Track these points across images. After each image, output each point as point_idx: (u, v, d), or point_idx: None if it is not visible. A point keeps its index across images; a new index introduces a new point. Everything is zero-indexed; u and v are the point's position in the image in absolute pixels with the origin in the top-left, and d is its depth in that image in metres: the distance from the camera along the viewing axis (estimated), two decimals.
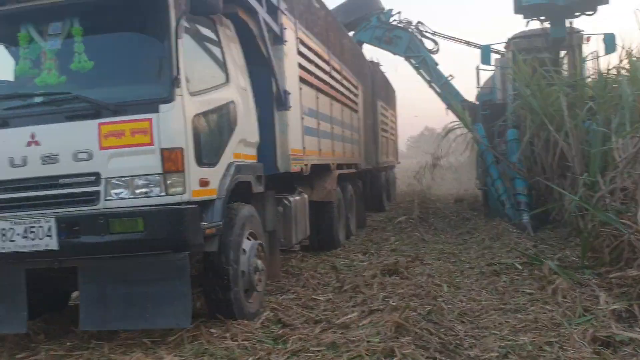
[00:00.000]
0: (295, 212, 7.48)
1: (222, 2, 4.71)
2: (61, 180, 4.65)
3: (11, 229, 4.59)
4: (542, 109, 10.68)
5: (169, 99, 4.61)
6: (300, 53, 7.53)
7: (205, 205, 4.94)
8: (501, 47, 14.56)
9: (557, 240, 9.19)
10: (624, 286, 5.75)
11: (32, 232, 4.55)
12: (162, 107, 4.59)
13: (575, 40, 12.54)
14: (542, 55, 12.35)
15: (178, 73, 4.65)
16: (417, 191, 18.68)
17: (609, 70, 10.90)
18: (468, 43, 16.88)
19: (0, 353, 4.92)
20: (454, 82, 16.73)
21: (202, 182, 4.87)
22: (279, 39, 6.65)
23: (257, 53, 6.26)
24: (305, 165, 7.53)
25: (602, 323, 4.74)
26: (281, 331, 4.98)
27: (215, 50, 5.56)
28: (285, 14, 6.90)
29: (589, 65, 12.45)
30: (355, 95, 11.78)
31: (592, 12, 12.05)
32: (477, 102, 15.48)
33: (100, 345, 4.77)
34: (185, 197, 4.65)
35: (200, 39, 5.38)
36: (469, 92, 17.09)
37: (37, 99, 4.95)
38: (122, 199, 4.60)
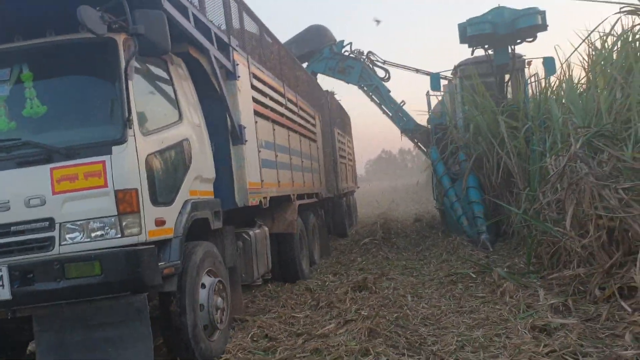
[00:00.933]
0: (256, 246, 7.47)
1: (170, 43, 4.73)
2: (13, 228, 4.57)
3: None
4: (489, 130, 11.69)
5: (121, 140, 4.61)
6: (254, 87, 7.59)
7: (162, 244, 4.92)
8: (449, 74, 15.39)
9: (506, 250, 10.14)
10: (562, 285, 6.70)
11: None
12: (115, 149, 4.59)
13: (517, 64, 13.31)
14: (488, 80, 13.22)
15: (130, 114, 4.66)
16: (377, 214, 19.08)
17: (541, 93, 11.96)
18: (417, 70, 17.51)
19: None
20: (406, 108, 17.40)
21: (158, 221, 4.85)
22: (231, 75, 6.71)
23: (210, 89, 6.30)
24: (264, 198, 7.55)
25: (541, 315, 5.58)
26: (269, 344, 5.60)
27: (167, 89, 5.58)
28: (237, 50, 6.97)
29: (533, 87, 13.26)
30: (313, 125, 11.89)
31: (532, 39, 12.71)
32: (429, 126, 16.03)
33: None
34: (142, 238, 4.63)
35: (151, 79, 5.40)
36: (421, 117, 17.84)
37: None
38: (77, 243, 4.55)
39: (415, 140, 18.26)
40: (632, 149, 6.58)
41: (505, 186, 11.42)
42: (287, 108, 9.44)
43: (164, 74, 5.57)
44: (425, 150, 17.60)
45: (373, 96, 17.53)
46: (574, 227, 6.84)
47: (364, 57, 17.60)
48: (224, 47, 6.57)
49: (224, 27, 6.77)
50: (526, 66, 13.61)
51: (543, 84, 12.70)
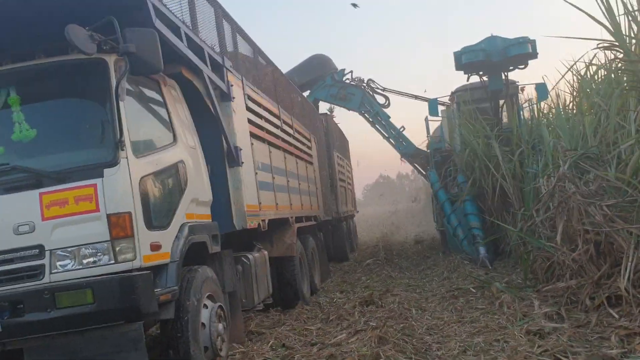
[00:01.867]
0: (256, 270, 7.28)
1: (163, 63, 4.60)
2: (1, 257, 4.40)
3: None
4: (484, 154, 12.37)
5: (113, 163, 4.47)
6: (249, 109, 7.48)
7: (158, 270, 4.74)
8: (446, 100, 15.98)
9: (505, 268, 10.68)
10: (556, 296, 7.21)
11: None
12: (107, 172, 4.44)
13: (511, 90, 13.91)
14: (483, 105, 13.92)
15: (121, 135, 4.53)
16: (378, 237, 19.68)
17: (533, 118, 12.74)
18: (416, 97, 18.32)
19: None
20: (405, 133, 18.15)
21: (154, 246, 4.68)
22: (226, 96, 6.60)
23: (205, 111, 6.19)
24: (263, 220, 7.38)
25: (536, 322, 6.16)
26: (286, 352, 6.05)
27: (161, 111, 5.45)
28: (231, 71, 6.87)
29: (527, 112, 14.01)
30: (309, 147, 11.77)
31: (524, 66, 13.29)
32: (428, 150, 16.73)
33: None
34: (136, 264, 4.46)
35: (144, 100, 5.27)
36: (421, 141, 18.49)
37: None
38: (68, 270, 4.37)
39: (415, 165, 18.72)
40: (615, 169, 7.14)
41: (502, 207, 11.93)
42: (282, 130, 9.32)
43: (156, 96, 5.44)
44: (424, 173, 18.39)
45: (374, 122, 18.18)
46: (565, 242, 7.34)
47: (365, 84, 18.29)
48: (217, 68, 6.47)
49: (217, 47, 6.69)
50: (519, 92, 14.38)
51: (535, 109, 13.23)
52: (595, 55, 8.40)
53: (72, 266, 4.38)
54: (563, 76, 11.32)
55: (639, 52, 6.74)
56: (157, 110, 5.42)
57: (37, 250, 4.37)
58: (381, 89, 18.45)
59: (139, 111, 5.12)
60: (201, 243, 5.59)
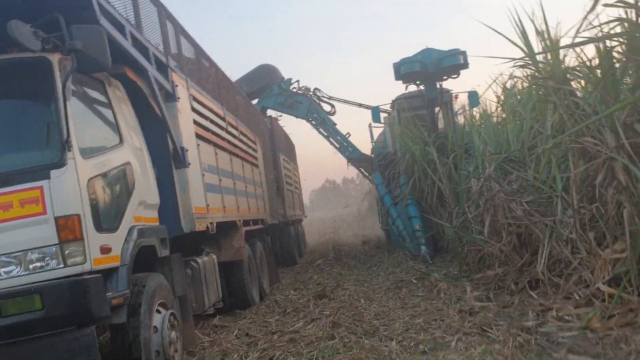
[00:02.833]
0: (205, 273, 7.19)
1: (110, 59, 4.50)
2: None
3: None
4: (422, 158, 13.39)
5: (60, 164, 4.33)
6: (194, 110, 7.39)
7: (108, 273, 4.63)
8: (388, 107, 17.00)
9: (443, 261, 11.71)
10: (486, 283, 8.20)
11: None
12: (54, 173, 4.30)
13: (446, 98, 15.07)
14: (421, 112, 15.06)
15: (68, 136, 4.39)
16: (327, 240, 20.63)
17: (466, 124, 13.90)
18: (360, 105, 19.10)
19: None
20: (351, 139, 18.82)
21: (104, 249, 4.56)
22: (171, 96, 6.51)
23: (150, 112, 6.07)
24: (211, 223, 7.29)
25: (467, 303, 7.19)
26: (250, 340, 6.79)
27: (106, 112, 5.32)
28: (175, 72, 6.77)
29: (461, 118, 15.27)
30: (254, 150, 11.70)
31: (457, 76, 14.40)
32: (372, 155, 17.67)
33: None
34: (87, 267, 4.33)
35: (89, 102, 5.13)
36: (365, 147, 20.14)
37: None
38: (14, 277, 4.20)
39: (361, 169, 19.32)
40: (533, 170, 8.19)
41: (440, 206, 12.82)
42: (228, 132, 9.24)
43: (101, 96, 5.31)
44: (369, 177, 19.27)
45: (320, 129, 18.73)
46: (492, 235, 8.42)
47: (311, 93, 18.81)
48: (162, 68, 6.38)
49: (161, 48, 6.57)
50: (454, 99, 15.49)
51: (468, 116, 14.38)
52: (513, 70, 9.50)
53: (17, 272, 4.21)
54: (489, 86, 13.59)
55: (548, 70, 7.42)
56: (103, 111, 5.29)
57: None
58: (327, 97, 19.01)
59: (85, 112, 5.00)
60: (150, 247, 5.48)
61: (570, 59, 7.89)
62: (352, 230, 25.30)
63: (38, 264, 4.22)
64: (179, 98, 6.64)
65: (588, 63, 6.90)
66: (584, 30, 6.24)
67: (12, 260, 4.22)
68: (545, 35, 7.40)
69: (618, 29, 6.17)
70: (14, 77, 4.62)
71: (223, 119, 9.02)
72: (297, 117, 18.69)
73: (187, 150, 6.58)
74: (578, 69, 7.11)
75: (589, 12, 5.94)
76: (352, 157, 18.80)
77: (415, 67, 13.76)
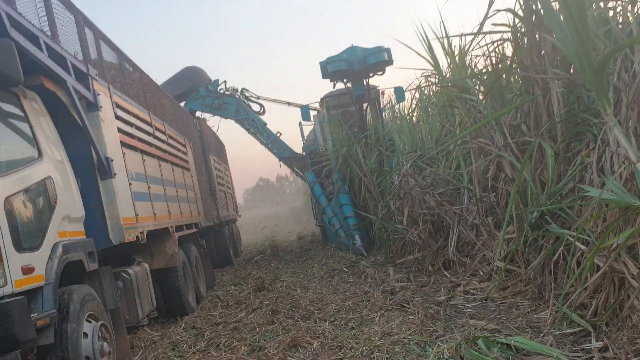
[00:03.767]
0: (137, 284, 7.06)
1: (22, 75, 4.34)
2: None
3: None
4: (349, 156, 14.12)
5: None
6: (118, 117, 7.22)
7: (32, 294, 4.48)
8: (317, 105, 17.31)
9: (371, 251, 12.80)
10: (407, 267, 9.48)
11: None
12: None
13: (373, 94, 15.44)
14: (350, 109, 15.45)
15: None
16: (263, 239, 20.68)
17: (390, 121, 14.78)
18: (289, 103, 19.23)
19: None
20: (282, 138, 18.97)
21: (25, 269, 4.41)
22: (93, 106, 6.33)
23: (71, 122, 5.90)
24: (141, 232, 7.16)
25: (390, 285, 8.28)
26: (197, 332, 7.46)
27: (22, 126, 5.12)
28: (96, 80, 6.59)
29: (388, 114, 15.76)
30: (185, 153, 11.54)
31: (382, 72, 14.74)
32: (304, 153, 17.92)
33: None
34: (8, 290, 4.19)
35: (3, 116, 4.92)
36: (297, 145, 19.65)
37: None
38: None
39: (293, 167, 19.36)
40: (444, 165, 9.37)
41: (369, 199, 13.64)
42: (155, 137, 9.07)
43: (16, 110, 5.09)
44: (302, 174, 19.40)
45: (250, 129, 18.73)
46: (410, 224, 9.76)
47: (239, 93, 18.76)
48: (82, 77, 6.19)
49: (80, 56, 6.39)
50: (380, 95, 15.86)
51: (395, 111, 15.03)
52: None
53: None
54: (407, 91, 14.59)
55: (451, 79, 8.58)
56: (18, 125, 5.08)
57: None
58: (255, 97, 19.00)
59: None
60: (77, 262, 5.33)
61: (470, 69, 8.73)
62: (288, 226, 26.12)
63: None
64: (101, 107, 6.46)
65: (479, 74, 7.97)
66: (476, 45, 7.57)
67: None
68: (447, 49, 8.59)
69: (508, 46, 7.20)
70: None
71: (150, 124, 8.85)
72: (225, 118, 18.67)
73: (112, 160, 6.42)
74: (473, 79, 8.03)
75: (479, 29, 6.74)
76: (283, 156, 18.89)
77: (342, 65, 14.03)
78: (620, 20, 5.74)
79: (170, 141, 10.17)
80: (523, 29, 6.52)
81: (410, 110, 13.37)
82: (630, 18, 5.58)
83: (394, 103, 15.48)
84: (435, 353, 4.72)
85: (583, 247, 5.05)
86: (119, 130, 7.16)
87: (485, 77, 7.70)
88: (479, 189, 7.67)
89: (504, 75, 7.29)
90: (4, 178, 4.46)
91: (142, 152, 8.14)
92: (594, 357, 4.25)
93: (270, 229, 21.93)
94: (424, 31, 8.82)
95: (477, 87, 7.95)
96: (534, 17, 6.31)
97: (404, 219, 9.73)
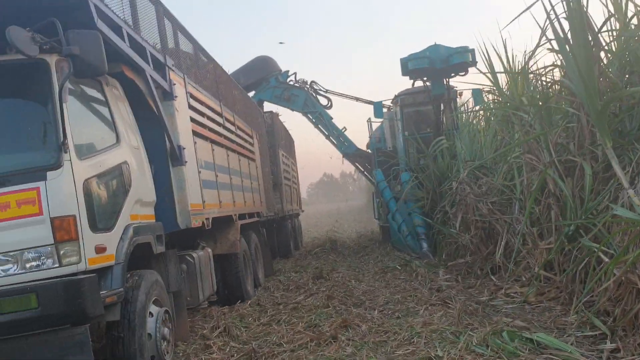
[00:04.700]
0: (200, 268, 7.30)
1: (107, 64, 4.57)
2: None
3: None
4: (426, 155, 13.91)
5: (56, 165, 4.41)
6: (191, 107, 7.46)
7: (103, 272, 4.72)
8: (388, 102, 16.84)
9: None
10: (458, 270, 9.84)
11: None
12: (50, 174, 4.38)
13: (451, 95, 14.95)
14: (424, 108, 15.14)
15: (65, 137, 4.47)
16: (325, 231, 21.96)
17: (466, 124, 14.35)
18: (357, 99, 18.94)
19: None
20: (347, 134, 18.87)
21: (99, 248, 4.65)
22: (168, 95, 6.57)
23: (147, 110, 6.14)
24: (207, 219, 7.39)
25: (437, 283, 8.88)
26: (261, 309, 8.36)
27: (104, 111, 5.39)
28: (173, 70, 6.83)
29: (464, 115, 15.06)
30: (251, 144, 11.78)
31: (464, 73, 14.24)
32: (369, 150, 17.81)
33: None
34: (81, 267, 4.43)
35: (86, 101, 5.21)
36: (360, 142, 19.76)
37: None
38: (10, 275, 4.30)
39: (356, 164, 19.27)
40: (499, 177, 9.56)
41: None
42: (225, 127, 9.31)
43: (99, 96, 5.37)
44: (365, 172, 19.58)
45: (316, 123, 18.72)
46: (463, 229, 10.28)
47: (308, 86, 18.72)
48: (159, 67, 6.42)
49: (159, 46, 6.63)
50: (458, 96, 15.37)
51: (469, 115, 14.36)
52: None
53: (14, 270, 4.31)
54: (468, 103, 14.60)
55: (508, 96, 9.23)
56: (100, 111, 5.37)
57: None
58: (324, 91, 18.91)
59: (82, 112, 5.06)
60: (146, 244, 5.57)
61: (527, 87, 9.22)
62: (348, 223, 26.69)
63: (34, 263, 4.32)
64: (176, 96, 6.70)
65: (531, 94, 8.63)
66: (530, 69, 8.44)
67: (9, 259, 4.32)
68: (507, 67, 9.34)
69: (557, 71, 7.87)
70: (11, 79, 4.68)
71: (220, 114, 9.10)
72: (293, 110, 18.66)
73: (184, 149, 6.65)
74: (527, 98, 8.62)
75: (532, 54, 7.74)
76: (347, 152, 18.85)
77: (424, 63, 13.67)
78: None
79: (238, 132, 10.41)
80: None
81: (472, 118, 13.30)
82: None
83: (467, 107, 15.02)
84: (465, 340, 5.29)
85: (606, 259, 5.47)
86: (192, 119, 7.39)
87: (538, 97, 8.27)
88: (527, 200, 8.01)
89: (553, 97, 7.88)
90: (84, 161, 4.71)
91: (212, 141, 8.38)
92: (605, 356, 4.67)
93: (331, 224, 22.41)
94: (485, 49, 9.41)
95: (529, 107, 8.41)
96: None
97: (457, 224, 10.27)
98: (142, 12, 6.20)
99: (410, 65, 13.73)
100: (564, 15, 6.39)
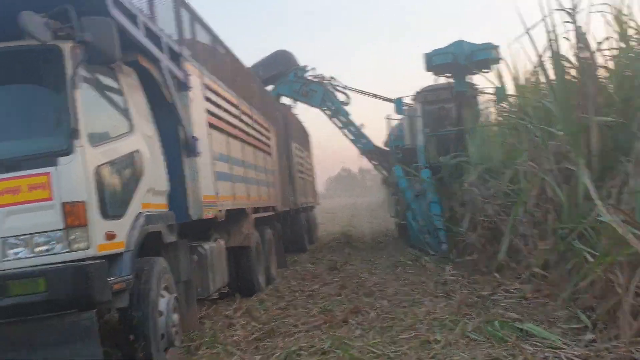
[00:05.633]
0: (211, 259, 7.31)
1: (120, 51, 4.58)
2: None
3: None
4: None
5: (68, 151, 4.43)
6: (207, 98, 7.46)
7: (112, 259, 4.73)
8: (409, 99, 16.51)
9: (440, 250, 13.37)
10: (464, 266, 10.35)
11: None
12: (61, 160, 4.40)
13: (473, 92, 14.73)
14: (446, 105, 14.93)
15: (77, 124, 4.49)
16: (340, 225, 22.16)
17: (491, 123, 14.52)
18: (375, 96, 18.69)
19: None
20: (364, 130, 18.70)
21: (109, 235, 4.67)
22: (183, 86, 6.56)
23: (162, 100, 6.15)
24: (220, 211, 7.40)
25: (443, 277, 9.51)
26: (279, 295, 9.28)
27: (117, 99, 5.40)
28: (189, 61, 6.83)
29: (485, 113, 15.05)
30: (268, 137, 11.78)
31: (488, 70, 13.93)
32: (386, 148, 17.65)
33: None
34: (90, 252, 4.45)
35: (100, 88, 5.22)
36: (378, 138, 19.68)
37: None
38: (20, 258, 4.33)
39: (372, 160, 19.10)
40: (506, 180, 9.89)
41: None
42: (241, 120, 9.32)
43: (113, 83, 5.38)
44: (382, 169, 19.40)
45: (334, 118, 18.58)
46: (470, 228, 10.89)
47: (326, 81, 18.50)
48: (175, 57, 6.43)
49: (175, 36, 6.64)
50: (479, 94, 15.06)
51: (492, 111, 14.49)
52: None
53: (24, 254, 4.34)
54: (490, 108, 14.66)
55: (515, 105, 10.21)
56: (114, 98, 5.37)
57: None
58: (342, 87, 18.75)
59: (95, 99, 5.07)
60: (157, 232, 5.59)
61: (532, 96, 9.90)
62: (364, 218, 28.06)
63: (44, 248, 4.35)
64: (191, 87, 6.70)
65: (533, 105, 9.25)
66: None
67: (20, 242, 4.35)
68: (514, 75, 10.14)
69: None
70: (25, 64, 4.70)
71: (237, 107, 9.10)
72: (311, 105, 18.52)
73: (198, 140, 6.64)
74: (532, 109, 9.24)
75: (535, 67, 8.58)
76: (364, 149, 18.72)
77: (448, 58, 13.57)
78: None
79: (255, 125, 10.42)
80: None
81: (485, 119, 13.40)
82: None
83: (491, 104, 14.76)
84: (461, 327, 6.01)
85: (591, 259, 6.11)
86: (207, 111, 7.40)
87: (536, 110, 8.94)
88: (531, 203, 8.51)
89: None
90: (96, 148, 4.72)
91: (228, 133, 8.38)
92: (583, 344, 5.21)
93: (347, 219, 22.56)
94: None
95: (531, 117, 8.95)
96: None
97: (465, 223, 10.93)
98: (158, 2, 6.22)
99: (435, 61, 13.65)
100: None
